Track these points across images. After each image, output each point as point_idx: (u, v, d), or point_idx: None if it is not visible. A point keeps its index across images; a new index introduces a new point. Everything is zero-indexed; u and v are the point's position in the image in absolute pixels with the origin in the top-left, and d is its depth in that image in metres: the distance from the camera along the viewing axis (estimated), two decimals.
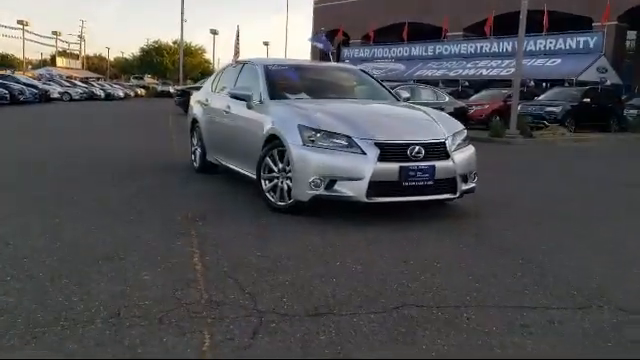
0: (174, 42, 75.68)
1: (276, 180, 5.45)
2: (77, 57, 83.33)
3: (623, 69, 30.98)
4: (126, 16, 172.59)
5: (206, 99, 7.70)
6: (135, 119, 20.95)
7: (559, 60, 29.51)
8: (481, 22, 33.83)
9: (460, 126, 5.67)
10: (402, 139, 5.07)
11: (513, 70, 31.13)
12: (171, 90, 58.04)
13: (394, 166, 4.95)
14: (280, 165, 5.37)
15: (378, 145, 4.95)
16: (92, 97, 39.87)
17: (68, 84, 41.03)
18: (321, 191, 5.00)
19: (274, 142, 5.46)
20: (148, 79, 76.29)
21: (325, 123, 5.14)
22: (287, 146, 5.17)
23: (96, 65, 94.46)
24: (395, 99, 6.72)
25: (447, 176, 5.17)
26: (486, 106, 22.10)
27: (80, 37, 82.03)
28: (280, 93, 6.23)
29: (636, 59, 34.58)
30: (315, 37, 29.77)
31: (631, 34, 34.23)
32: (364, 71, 7.29)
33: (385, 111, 6.01)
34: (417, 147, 5.03)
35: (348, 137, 5.00)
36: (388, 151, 4.97)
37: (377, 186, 4.95)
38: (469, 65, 33.36)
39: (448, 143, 5.26)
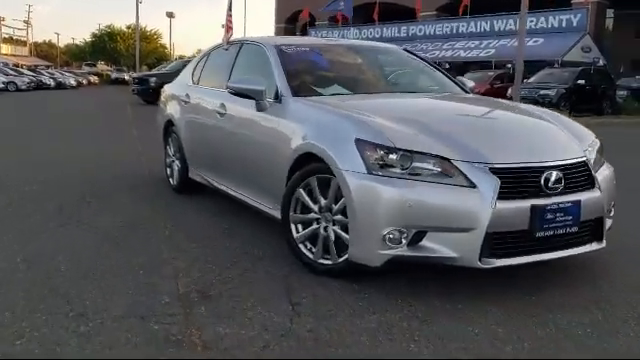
0: (128, 27, 72.52)
1: (316, 225, 3.47)
2: (24, 44, 78.89)
3: (603, 49, 29.75)
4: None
5: (186, 94, 5.61)
6: (88, 112, 18.47)
7: (541, 40, 28.02)
8: (455, 1, 32.14)
9: (589, 133, 3.78)
10: (531, 161, 3.14)
11: (493, 51, 29.81)
12: (126, 77, 55.64)
13: (523, 205, 3.04)
14: (323, 202, 3.41)
15: (496, 172, 3.01)
16: (41, 86, 37.03)
17: (14, 73, 37.92)
18: (402, 250, 3.06)
19: (311, 165, 3.48)
20: (101, 66, 73.52)
21: (402, 136, 3.18)
22: (338, 174, 3.20)
23: (46, 52, 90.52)
24: (463, 91, 4.79)
25: (593, 215, 3.28)
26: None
27: (26, 22, 77.63)
28: (307, 87, 4.24)
29: (614, 38, 33.46)
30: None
31: (609, 12, 33.05)
32: (411, 52, 5.30)
33: (483, 114, 4.05)
34: (554, 173, 3.13)
35: (445, 160, 3.06)
36: (512, 181, 3.05)
37: (496, 240, 3.03)
38: (445, 47, 31.71)
39: (590, 163, 3.36)
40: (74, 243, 4.12)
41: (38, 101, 24.28)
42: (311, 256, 3.52)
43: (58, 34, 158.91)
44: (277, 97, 4.07)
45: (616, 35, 33.67)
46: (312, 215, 3.51)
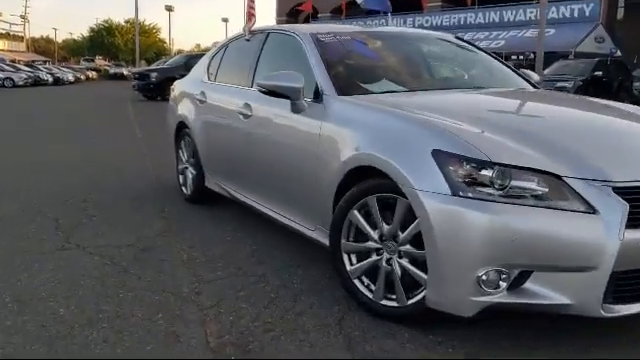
0: (126, 21, 71.93)
1: (376, 257, 2.77)
2: (21, 39, 77.99)
3: (616, 39, 28.98)
4: None
5: (201, 92, 4.90)
6: (88, 109, 17.72)
7: (553, 30, 27.15)
8: None
9: None
10: None
11: (503, 42, 29.00)
12: (125, 72, 54.94)
13: None
14: (386, 228, 2.71)
15: (622, 193, 2.31)
16: (38, 82, 36.29)
17: (11, 69, 37.15)
18: (500, 296, 2.36)
19: (369, 182, 2.78)
20: (99, 61, 72.80)
21: (495, 147, 2.48)
22: (411, 195, 2.51)
23: (43, 48, 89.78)
24: (531, 85, 4.08)
25: None
26: None
27: (23, 17, 76.65)
28: (353, 83, 3.52)
29: (624, 29, 32.65)
30: None
31: (620, 1, 32.22)
32: (466, 41, 4.57)
33: (585, 117, 3.32)
34: None
35: (554, 177, 2.35)
36: None
37: (623, 281, 2.33)
38: None
39: None
40: (74, 274, 3.42)
41: (36, 98, 23.53)
42: (370, 295, 2.82)
43: (55, 29, 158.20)
44: (317, 96, 3.37)
45: (625, 25, 32.87)
46: (371, 244, 2.81)
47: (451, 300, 2.43)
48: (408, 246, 2.65)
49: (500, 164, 2.37)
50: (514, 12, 29.55)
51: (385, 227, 2.73)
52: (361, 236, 2.86)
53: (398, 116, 2.85)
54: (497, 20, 29.99)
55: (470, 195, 2.37)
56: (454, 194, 2.39)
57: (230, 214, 4.79)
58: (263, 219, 4.09)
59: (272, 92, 3.44)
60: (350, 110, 3.12)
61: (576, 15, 27.70)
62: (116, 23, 72.68)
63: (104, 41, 70.68)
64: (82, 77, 46.95)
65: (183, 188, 5.36)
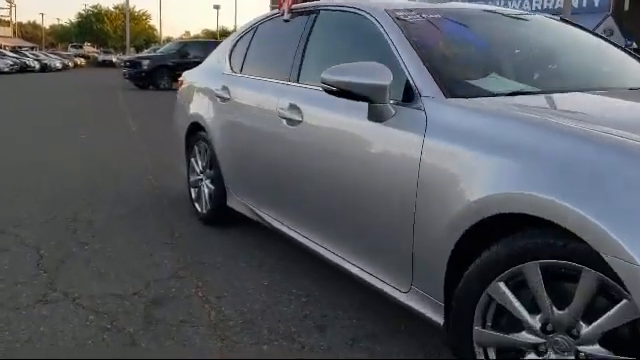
0: (115, 7, 70.36)
1: (535, 357, 1.75)
2: (7, 24, 76.06)
3: (624, 31, 28.06)
4: None
5: (222, 87, 3.86)
6: (77, 99, 16.51)
7: None
8: None
9: None
10: None
11: None
12: (114, 60, 53.53)
13: None
14: (556, 313, 1.72)
15: None
16: (25, 69, 34.94)
17: None
18: None
19: (526, 241, 1.78)
20: (88, 48, 71.33)
21: None
22: (621, 269, 1.51)
23: (30, 33, 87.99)
24: None
25: None
26: None
27: (10, 2, 74.65)
28: (461, 80, 2.47)
29: (630, 20, 31.80)
30: None
31: None
32: (569, 22, 3.51)
33: None
34: None
35: None
36: None
37: None
38: None
39: None
40: (59, 350, 2.38)
41: (22, 86, 22.27)
42: None
43: (42, 14, 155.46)
44: (409, 98, 2.34)
45: (630, 16, 32.01)
46: (527, 337, 1.80)
47: None
48: (597, 346, 1.65)
49: None
50: (520, 2, 28.53)
51: (556, 312, 1.71)
52: (509, 322, 1.84)
53: (578, 135, 1.81)
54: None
55: None
56: None
57: (257, 240, 3.79)
58: (307, 253, 3.06)
59: (343, 91, 2.39)
60: (477, 121, 2.08)
61: (584, 5, 26.68)
62: (105, 9, 70.98)
63: (93, 27, 69.03)
64: (70, 64, 45.63)
65: (196, 205, 4.32)
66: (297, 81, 3.15)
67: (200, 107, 4.14)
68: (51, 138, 8.33)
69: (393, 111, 2.33)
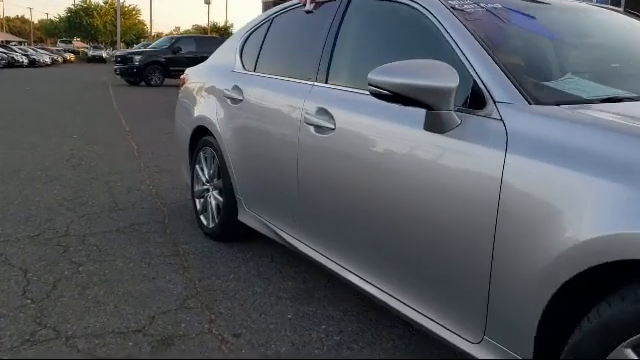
0: (105, 2, 69.29)
1: None
2: None
3: None
4: None
5: (234, 87, 3.42)
6: (67, 96, 15.96)
7: None
8: None
9: None
10: None
11: None
12: (104, 55, 52.83)
13: None
14: None
15: None
16: (13, 64, 34.29)
17: None
18: None
19: None
20: (77, 43, 70.48)
21: None
22: None
23: (18, 28, 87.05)
24: None
25: None
26: None
27: None
28: (541, 84, 2.04)
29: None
30: None
31: None
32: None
33: None
34: None
35: None
36: None
37: None
38: None
39: None
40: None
41: (9, 81, 21.65)
42: None
43: (31, 9, 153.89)
44: (478, 104, 1.91)
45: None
46: None
47: None
48: None
49: None
50: None
51: None
52: None
53: None
54: None
55: None
56: None
57: (273, 260, 3.36)
58: (332, 276, 2.63)
59: (396, 95, 1.96)
60: (582, 137, 1.63)
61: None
62: (95, 4, 70.01)
63: (82, 22, 68.05)
64: (59, 59, 44.94)
65: (202, 218, 3.88)
66: (326, 81, 2.72)
67: (207, 109, 3.70)
68: (39, 138, 7.84)
69: (458, 120, 1.90)
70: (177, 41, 21.54)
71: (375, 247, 2.29)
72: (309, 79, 2.82)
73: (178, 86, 4.51)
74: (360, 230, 2.36)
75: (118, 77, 20.64)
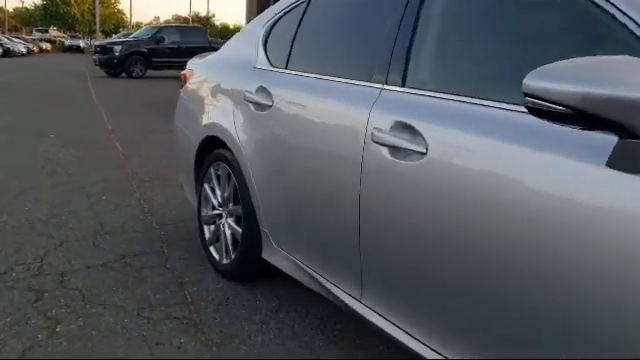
0: None
1: None
2: None
3: None
4: None
5: (260, 88, 2.62)
6: (43, 88, 14.92)
7: None
8: None
9: None
10: None
11: None
12: (82, 45, 51.32)
13: None
14: None
15: None
16: None
17: None
18: None
19: None
20: (54, 32, 68.64)
21: None
22: None
23: None
24: None
25: None
26: None
27: None
28: None
29: None
30: None
31: None
32: None
33: None
34: None
35: None
36: None
37: None
38: None
39: None
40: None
41: None
42: None
43: None
44: None
45: None
46: None
47: None
48: None
49: None
50: None
51: None
52: None
53: None
54: None
55: None
56: None
57: (311, 313, 2.58)
58: (388, 341, 1.87)
59: (576, 112, 1.19)
60: None
61: None
62: None
63: (59, 10, 66.16)
64: (35, 49, 43.44)
65: (212, 250, 3.09)
66: (402, 85, 1.94)
67: (221, 115, 2.90)
68: (9, 138, 6.95)
69: None
70: (160, 31, 20.56)
71: (489, 328, 1.54)
72: (375, 80, 2.04)
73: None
74: (466, 308, 1.60)
75: (97, 68, 19.64)
